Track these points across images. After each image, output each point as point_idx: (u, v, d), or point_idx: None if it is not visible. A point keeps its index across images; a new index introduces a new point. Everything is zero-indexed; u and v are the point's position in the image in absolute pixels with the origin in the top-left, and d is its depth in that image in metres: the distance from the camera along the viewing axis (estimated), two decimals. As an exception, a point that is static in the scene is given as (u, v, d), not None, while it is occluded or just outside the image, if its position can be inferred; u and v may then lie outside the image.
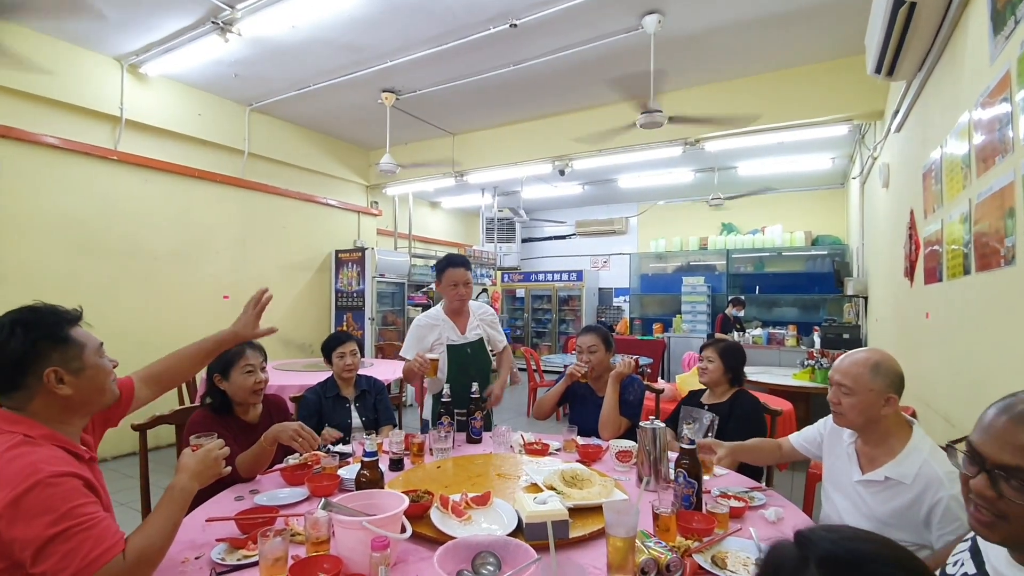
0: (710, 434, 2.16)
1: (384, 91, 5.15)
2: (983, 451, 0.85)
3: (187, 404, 4.40)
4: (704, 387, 2.52)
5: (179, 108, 5.07)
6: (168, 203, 5.10)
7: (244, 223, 5.83)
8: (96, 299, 4.51)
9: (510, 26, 3.79)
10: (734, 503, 1.51)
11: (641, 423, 1.75)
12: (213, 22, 3.74)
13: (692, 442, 1.50)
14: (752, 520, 1.51)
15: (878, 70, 2.80)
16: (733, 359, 2.41)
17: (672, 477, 1.59)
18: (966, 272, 2.04)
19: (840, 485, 1.62)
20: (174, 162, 5.11)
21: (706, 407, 2.38)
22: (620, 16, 3.76)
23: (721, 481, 1.85)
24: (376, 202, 7.69)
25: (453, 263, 2.70)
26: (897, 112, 3.40)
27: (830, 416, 1.68)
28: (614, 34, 3.97)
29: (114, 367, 1.29)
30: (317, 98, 5.30)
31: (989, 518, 0.85)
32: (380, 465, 1.60)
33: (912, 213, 3.03)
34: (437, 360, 2.53)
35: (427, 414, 2.81)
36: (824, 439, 1.77)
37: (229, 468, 1.38)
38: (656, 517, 1.34)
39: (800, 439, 1.88)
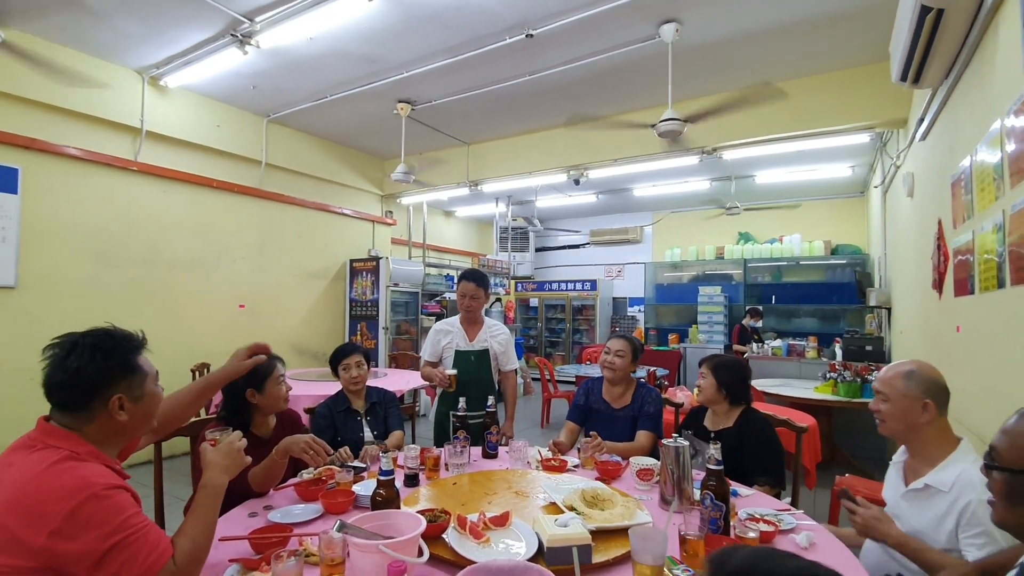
0: (708, 467, 1.99)
1: (400, 101, 5.18)
2: (1000, 452, 0.93)
3: (202, 416, 4.41)
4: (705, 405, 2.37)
5: (198, 119, 5.14)
6: (186, 213, 5.16)
7: (261, 232, 5.88)
8: (115, 307, 4.56)
9: (526, 36, 3.79)
10: (764, 527, 1.45)
11: (664, 440, 1.70)
12: (232, 34, 3.79)
13: (719, 462, 1.44)
14: (782, 545, 1.44)
15: (903, 78, 2.74)
16: (726, 375, 2.23)
17: (698, 498, 1.53)
18: (1000, 285, 1.96)
19: (890, 506, 1.62)
20: (193, 172, 5.18)
21: (712, 434, 2.20)
22: (637, 25, 3.74)
23: (746, 502, 1.78)
24: (391, 211, 7.73)
25: (465, 277, 2.94)
26: (922, 120, 3.33)
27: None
28: (631, 43, 3.95)
29: (162, 391, 1.31)
30: (333, 109, 5.35)
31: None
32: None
33: (940, 223, 2.94)
34: (455, 375, 2.70)
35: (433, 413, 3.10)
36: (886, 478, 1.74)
37: (250, 458, 1.42)
38: (683, 541, 1.28)
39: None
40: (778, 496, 1.97)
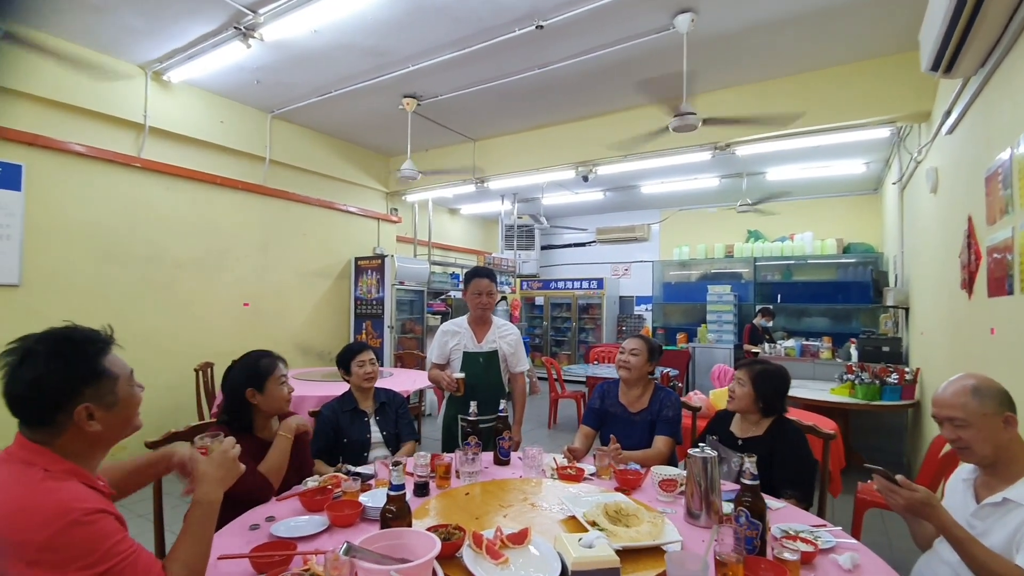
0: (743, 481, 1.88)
1: (406, 96, 5.08)
2: None
3: (207, 420, 4.35)
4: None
5: (202, 115, 5.05)
6: (190, 210, 5.08)
7: (265, 230, 5.79)
8: (120, 306, 4.49)
9: (536, 28, 3.67)
10: (802, 546, 1.34)
11: (690, 451, 1.59)
12: (236, 27, 3.69)
13: (755, 476, 1.33)
14: (823, 567, 1.33)
15: (935, 67, 2.61)
16: (767, 386, 2.10)
17: (728, 512, 1.43)
18: (1048, 285, 1.84)
19: None
20: (196, 169, 5.09)
21: (740, 441, 2.13)
22: (651, 15, 3.62)
23: (777, 516, 1.68)
24: (396, 209, 7.63)
25: (478, 274, 2.82)
26: (949, 112, 3.20)
27: (952, 476, 1.59)
28: (644, 34, 3.83)
29: (141, 392, 1.18)
30: (338, 104, 5.25)
31: None
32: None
33: (970, 220, 2.81)
34: (463, 378, 2.60)
35: (441, 416, 2.99)
36: (946, 493, 1.61)
37: (244, 467, 1.32)
38: (721, 564, 1.18)
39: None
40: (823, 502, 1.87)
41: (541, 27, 3.67)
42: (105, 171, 4.46)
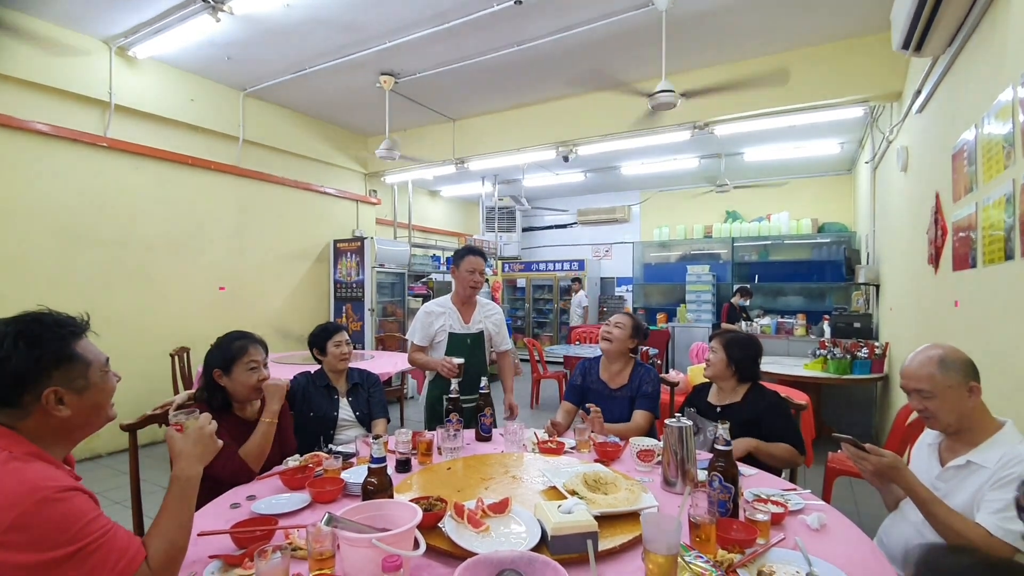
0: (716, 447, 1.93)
1: (383, 74, 4.98)
2: None
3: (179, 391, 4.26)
4: (709, 382, 2.31)
5: (170, 93, 4.89)
6: (161, 191, 4.94)
7: (240, 212, 5.67)
8: (87, 290, 4.37)
9: (515, 3, 3.63)
10: (773, 508, 1.39)
11: (667, 421, 1.63)
12: (204, 0, 3.57)
13: (728, 443, 1.38)
14: (792, 527, 1.39)
15: (905, 46, 2.66)
16: (739, 351, 2.17)
17: (703, 479, 1.47)
18: (1008, 257, 1.91)
19: None
20: (166, 149, 4.94)
21: (718, 409, 2.19)
22: (630, -8, 3.60)
23: (750, 482, 1.73)
24: (375, 191, 7.53)
25: (472, 252, 2.80)
26: (919, 92, 3.27)
27: (917, 441, 1.66)
28: (624, 11, 3.80)
29: (117, 382, 1.16)
30: (314, 82, 5.13)
31: None
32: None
33: (938, 196, 2.89)
34: (463, 363, 2.54)
35: (424, 397, 2.99)
36: (912, 457, 1.67)
37: (221, 443, 1.30)
38: (695, 526, 1.22)
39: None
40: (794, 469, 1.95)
41: (520, 2, 3.63)
42: (68, 150, 4.30)
